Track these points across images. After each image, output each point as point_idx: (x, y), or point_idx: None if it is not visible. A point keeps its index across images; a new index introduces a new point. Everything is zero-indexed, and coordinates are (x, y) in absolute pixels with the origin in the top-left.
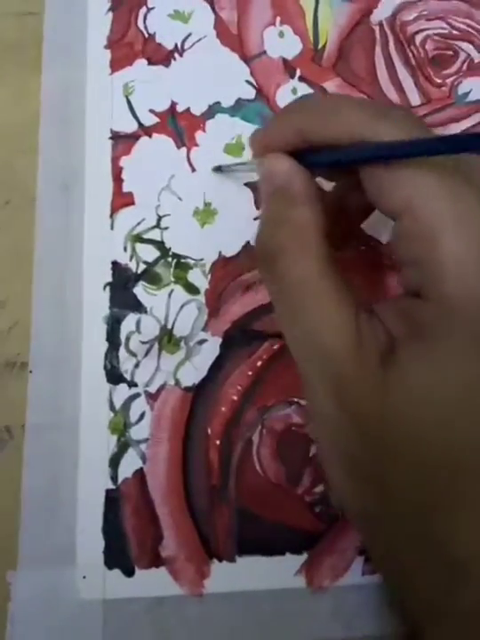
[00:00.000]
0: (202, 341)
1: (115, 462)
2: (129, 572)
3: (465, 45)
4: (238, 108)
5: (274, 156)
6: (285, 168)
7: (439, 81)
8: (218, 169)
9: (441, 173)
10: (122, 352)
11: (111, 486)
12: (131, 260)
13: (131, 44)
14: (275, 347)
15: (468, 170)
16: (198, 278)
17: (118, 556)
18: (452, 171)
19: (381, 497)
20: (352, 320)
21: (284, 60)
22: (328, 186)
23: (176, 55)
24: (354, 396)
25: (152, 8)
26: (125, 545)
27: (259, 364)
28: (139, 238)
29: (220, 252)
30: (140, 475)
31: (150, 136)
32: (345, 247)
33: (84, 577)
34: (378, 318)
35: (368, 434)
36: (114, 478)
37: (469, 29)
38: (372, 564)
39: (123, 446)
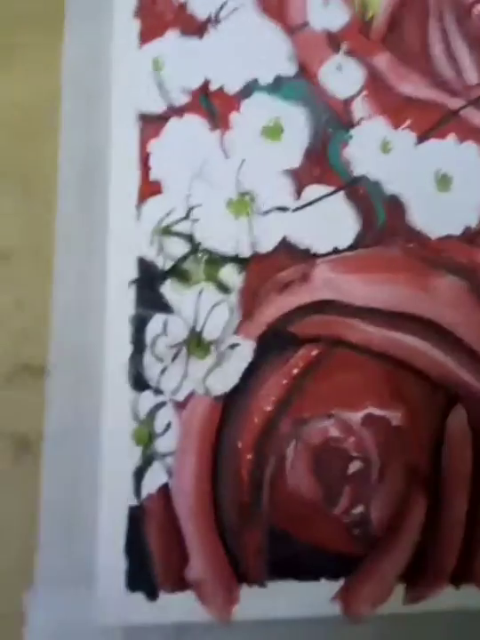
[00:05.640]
0: (233, 346)
1: (138, 476)
2: (152, 596)
3: None
4: (278, 87)
5: None
6: None
7: None
8: None
9: None
10: (147, 356)
11: (134, 502)
12: (158, 255)
13: (161, 14)
14: (313, 353)
15: None
16: (231, 276)
17: (141, 578)
18: None
19: None
20: None
21: (328, 33)
22: None
23: (210, 26)
24: None
25: None
26: (149, 566)
27: (295, 371)
28: (167, 231)
29: (254, 248)
30: (165, 490)
31: (181, 117)
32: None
33: (104, 600)
34: None
35: None
36: (137, 493)
37: None
38: None
39: (147, 459)
